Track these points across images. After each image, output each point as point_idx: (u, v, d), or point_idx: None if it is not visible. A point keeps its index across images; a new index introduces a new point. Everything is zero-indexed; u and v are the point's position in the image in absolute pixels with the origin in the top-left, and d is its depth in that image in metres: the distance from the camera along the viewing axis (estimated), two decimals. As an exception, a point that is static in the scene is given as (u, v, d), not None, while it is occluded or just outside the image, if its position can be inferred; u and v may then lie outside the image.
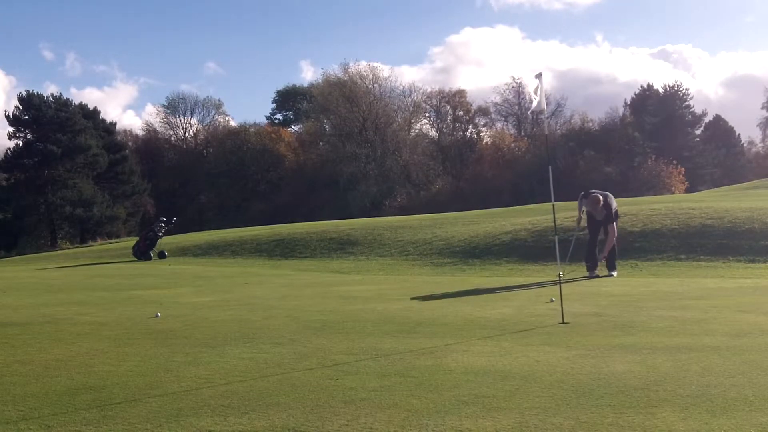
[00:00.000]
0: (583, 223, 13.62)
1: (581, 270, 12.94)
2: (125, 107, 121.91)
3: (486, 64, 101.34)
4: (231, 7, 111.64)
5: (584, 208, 13.20)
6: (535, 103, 8.27)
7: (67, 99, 55.66)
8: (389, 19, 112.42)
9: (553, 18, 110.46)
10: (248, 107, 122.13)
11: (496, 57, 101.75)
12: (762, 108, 70.02)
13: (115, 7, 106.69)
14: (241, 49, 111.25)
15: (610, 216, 12.89)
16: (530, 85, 8.42)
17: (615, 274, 12.71)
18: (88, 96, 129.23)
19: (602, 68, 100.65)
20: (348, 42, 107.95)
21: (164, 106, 73.41)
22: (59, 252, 37.96)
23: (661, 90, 66.32)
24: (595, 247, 12.94)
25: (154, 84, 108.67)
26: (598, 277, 12.54)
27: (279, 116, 79.93)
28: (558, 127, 65.51)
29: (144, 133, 73.48)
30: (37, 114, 52.35)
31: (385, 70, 73.66)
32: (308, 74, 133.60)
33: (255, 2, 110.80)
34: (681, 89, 66.75)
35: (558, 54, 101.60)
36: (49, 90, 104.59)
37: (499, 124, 70.53)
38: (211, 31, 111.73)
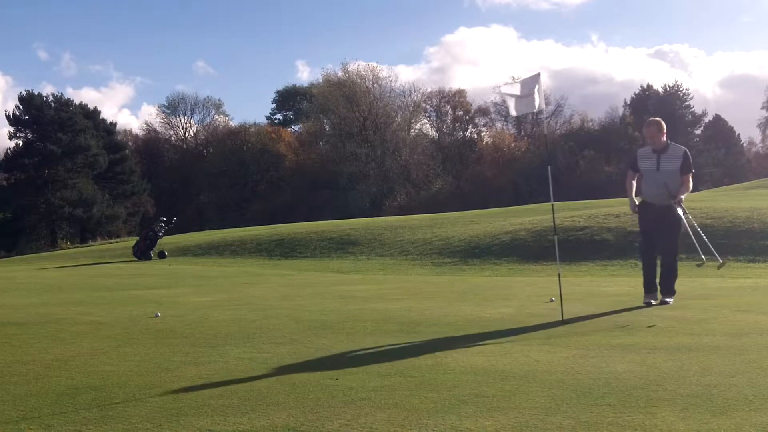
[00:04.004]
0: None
1: (581, 271, 12.90)
2: (121, 107, 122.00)
3: (481, 63, 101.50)
4: (227, 7, 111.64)
5: (632, 181, 8.90)
6: (511, 108, 8.16)
7: (68, 99, 55.80)
8: (385, 19, 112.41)
9: (545, 18, 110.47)
10: (248, 107, 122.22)
11: (492, 56, 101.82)
12: (762, 108, 70.02)
13: (113, 7, 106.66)
14: (239, 49, 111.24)
15: (687, 166, 8.53)
16: (522, 83, 8.20)
17: (671, 300, 8.41)
18: (85, 96, 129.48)
19: (598, 68, 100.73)
20: (344, 42, 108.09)
21: (164, 106, 73.51)
22: (59, 252, 37.97)
23: (660, 90, 66.37)
24: (652, 256, 8.72)
25: (151, 84, 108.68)
26: (651, 304, 8.32)
27: (279, 116, 79.97)
28: (558, 127, 65.57)
29: (144, 133, 73.57)
30: (37, 114, 52.41)
31: (384, 70, 73.68)
32: (304, 74, 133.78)
33: (252, 2, 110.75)
34: (681, 89, 66.82)
35: (553, 54, 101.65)
36: (46, 90, 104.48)
37: (499, 124, 70.58)
38: (210, 30, 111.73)
